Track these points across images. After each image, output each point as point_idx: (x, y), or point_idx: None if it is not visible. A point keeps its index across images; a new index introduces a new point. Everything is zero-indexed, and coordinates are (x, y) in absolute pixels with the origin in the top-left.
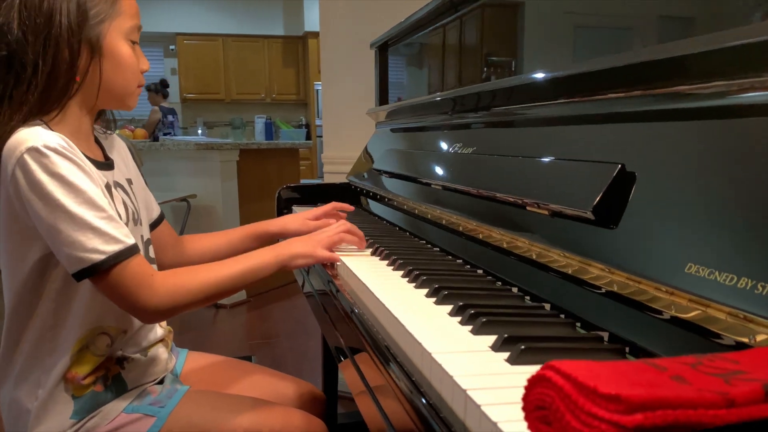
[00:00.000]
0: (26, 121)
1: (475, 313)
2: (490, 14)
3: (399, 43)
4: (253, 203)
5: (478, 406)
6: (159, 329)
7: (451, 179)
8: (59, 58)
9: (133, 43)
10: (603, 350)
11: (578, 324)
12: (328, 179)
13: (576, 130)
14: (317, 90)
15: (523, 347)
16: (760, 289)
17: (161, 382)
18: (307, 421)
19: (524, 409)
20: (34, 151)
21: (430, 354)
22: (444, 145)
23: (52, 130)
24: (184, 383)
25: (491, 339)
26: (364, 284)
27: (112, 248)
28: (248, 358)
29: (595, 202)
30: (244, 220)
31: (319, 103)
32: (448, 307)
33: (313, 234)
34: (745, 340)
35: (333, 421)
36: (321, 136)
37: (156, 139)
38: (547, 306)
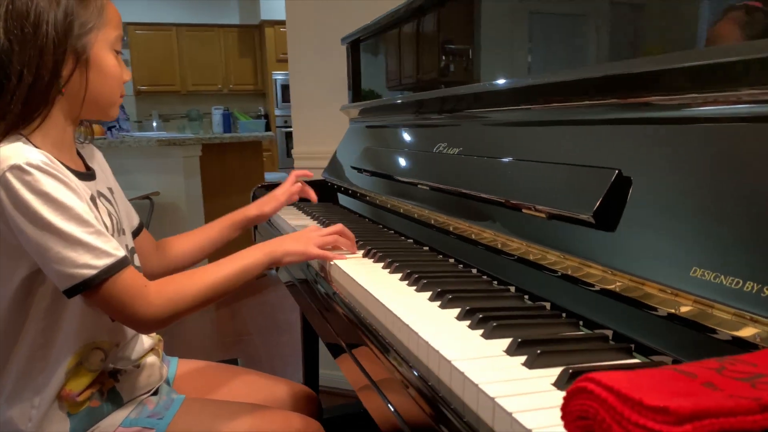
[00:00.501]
0: (7, 133)
1: (485, 317)
2: (460, 10)
3: (371, 38)
4: (217, 199)
5: (510, 414)
6: (147, 339)
7: (438, 179)
8: (44, 68)
9: (117, 53)
10: (611, 350)
11: (581, 322)
12: None
13: (565, 132)
14: (275, 79)
15: (539, 351)
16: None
17: (156, 392)
18: (306, 425)
19: (563, 418)
20: (17, 170)
21: (450, 362)
22: (427, 144)
23: (34, 145)
24: (178, 392)
25: (504, 342)
26: (366, 290)
27: (104, 262)
28: (234, 361)
29: (596, 207)
30: (209, 216)
31: (277, 93)
32: (455, 311)
33: (305, 231)
34: (743, 334)
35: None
36: (281, 127)
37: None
38: (547, 305)
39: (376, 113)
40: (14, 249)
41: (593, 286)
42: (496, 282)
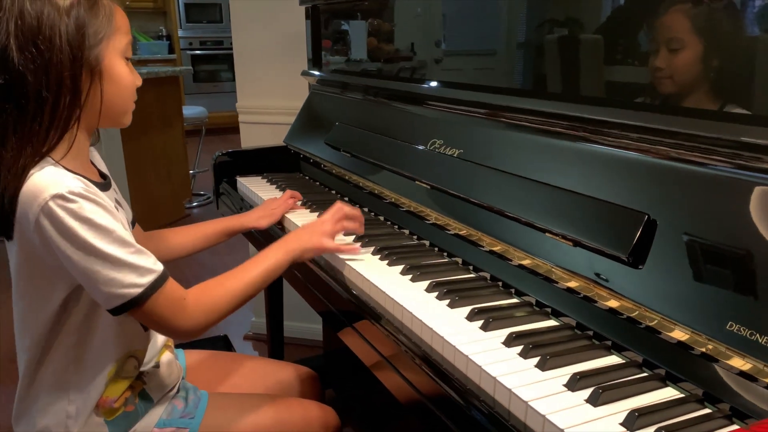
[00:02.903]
0: (35, 158)
1: (533, 345)
2: None
3: (335, 4)
4: (136, 139)
5: None
6: (160, 337)
7: (441, 182)
8: (63, 84)
9: (127, 59)
10: (649, 379)
11: (609, 343)
12: (244, 129)
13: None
14: None
15: (601, 391)
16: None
17: (178, 390)
18: (323, 412)
19: None
20: (59, 198)
21: (526, 403)
22: (416, 136)
23: (65, 167)
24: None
25: (559, 373)
26: (411, 312)
27: (148, 279)
28: (224, 338)
29: (631, 246)
30: (129, 157)
31: (180, 12)
32: (499, 333)
33: (316, 224)
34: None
35: None
36: (186, 49)
37: None
38: (569, 320)
39: (346, 87)
40: (53, 272)
41: (595, 301)
42: (513, 290)
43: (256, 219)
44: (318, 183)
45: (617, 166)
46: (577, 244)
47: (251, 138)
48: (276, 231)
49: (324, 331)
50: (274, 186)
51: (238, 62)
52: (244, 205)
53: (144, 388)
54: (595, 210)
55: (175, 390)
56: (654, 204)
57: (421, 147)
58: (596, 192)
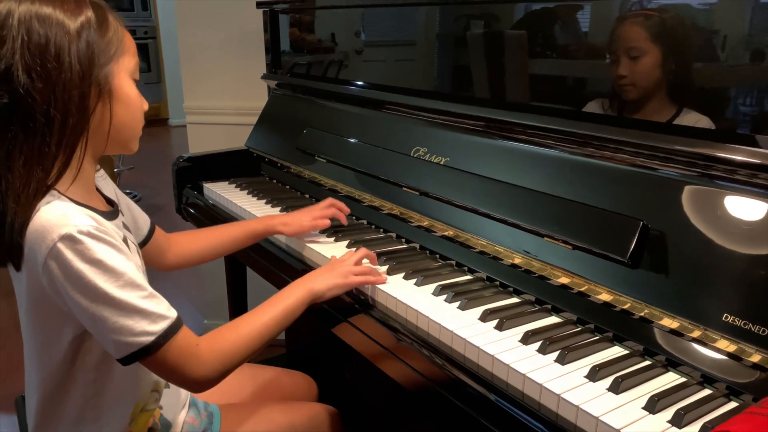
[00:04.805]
0: (45, 184)
1: (548, 341)
2: None
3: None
4: None
5: None
6: None
7: (431, 189)
8: (71, 102)
9: (135, 81)
10: (655, 366)
11: (610, 335)
12: (192, 131)
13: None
14: None
15: (621, 380)
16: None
17: (189, 406)
18: (329, 414)
19: None
20: (68, 240)
21: (558, 395)
22: (395, 142)
23: (71, 199)
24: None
25: (577, 366)
26: (427, 316)
27: (160, 327)
28: None
29: (631, 249)
30: None
31: None
32: (514, 332)
33: (337, 264)
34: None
35: None
36: None
37: None
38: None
39: (308, 91)
40: (62, 311)
41: (588, 296)
42: (513, 291)
43: (282, 224)
44: (288, 187)
45: (611, 176)
46: (576, 248)
47: (201, 140)
48: (267, 246)
49: (286, 331)
50: (245, 192)
51: (185, 60)
52: (215, 212)
53: (162, 413)
54: (594, 216)
55: (186, 407)
56: (642, 210)
57: (403, 153)
58: (593, 200)
